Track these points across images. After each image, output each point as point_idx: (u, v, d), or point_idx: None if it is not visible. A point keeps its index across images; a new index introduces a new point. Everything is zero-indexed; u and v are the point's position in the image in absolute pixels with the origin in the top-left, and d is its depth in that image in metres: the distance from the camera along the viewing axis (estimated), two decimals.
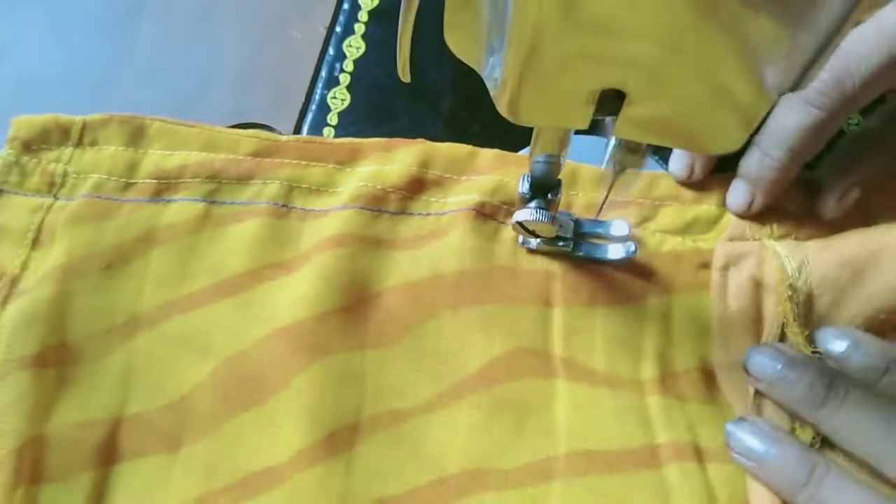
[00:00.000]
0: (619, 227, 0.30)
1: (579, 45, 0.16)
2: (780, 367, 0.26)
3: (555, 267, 0.30)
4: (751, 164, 0.29)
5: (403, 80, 0.23)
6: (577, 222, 0.30)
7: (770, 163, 0.28)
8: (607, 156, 0.23)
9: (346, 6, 0.40)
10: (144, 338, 0.28)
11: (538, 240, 0.29)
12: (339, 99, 0.37)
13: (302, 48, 0.39)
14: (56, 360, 0.27)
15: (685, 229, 0.31)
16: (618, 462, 0.26)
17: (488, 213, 0.31)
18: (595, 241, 0.30)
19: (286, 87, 0.38)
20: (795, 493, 0.24)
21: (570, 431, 0.27)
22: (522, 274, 0.30)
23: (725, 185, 0.31)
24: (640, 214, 0.31)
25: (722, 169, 0.31)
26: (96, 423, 0.27)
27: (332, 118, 0.36)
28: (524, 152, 0.33)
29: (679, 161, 0.31)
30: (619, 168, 0.23)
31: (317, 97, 0.37)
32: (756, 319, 0.29)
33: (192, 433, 0.27)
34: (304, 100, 0.37)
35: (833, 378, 0.25)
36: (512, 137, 0.32)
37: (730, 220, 0.31)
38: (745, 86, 0.16)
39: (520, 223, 0.27)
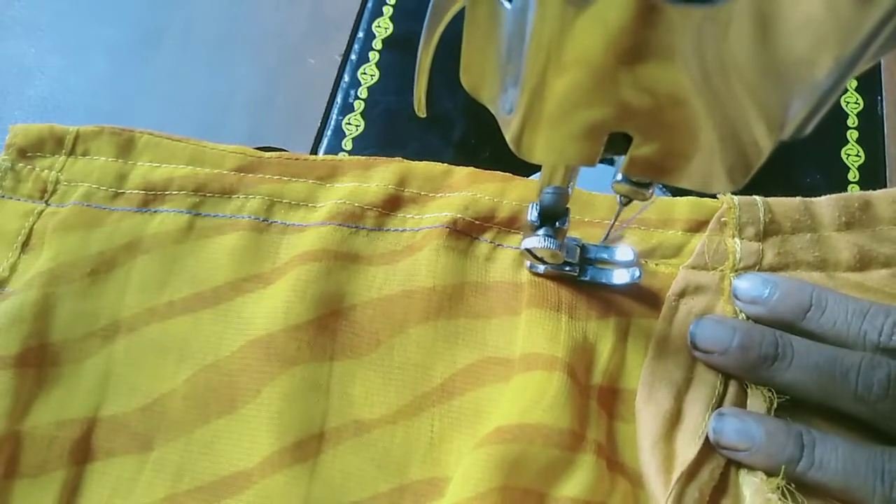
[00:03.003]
0: (624, 253, 0.31)
1: (590, 94, 0.17)
2: (727, 334, 0.27)
3: (524, 279, 0.31)
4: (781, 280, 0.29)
5: (419, 115, 0.24)
6: (584, 248, 0.31)
7: (799, 287, 0.28)
8: (613, 187, 0.24)
9: (360, 34, 0.41)
10: (124, 342, 0.30)
11: (545, 265, 0.30)
12: (354, 125, 0.38)
13: (318, 75, 0.40)
14: (37, 360, 0.29)
15: (649, 253, 0.32)
16: (534, 436, 0.26)
17: (461, 230, 0.32)
18: (601, 266, 0.31)
19: (302, 112, 0.39)
20: (794, 466, 0.25)
21: (508, 413, 0.27)
22: (492, 288, 0.31)
23: (691, 211, 0.32)
24: (604, 235, 0.32)
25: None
26: (72, 423, 0.28)
27: (347, 143, 0.38)
28: (535, 177, 0.34)
29: (751, 284, 0.30)
30: (626, 200, 0.24)
31: (332, 123, 0.38)
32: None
33: (164, 436, 0.28)
34: (319, 125, 0.38)
35: (777, 333, 0.26)
36: (521, 164, 0.33)
37: (694, 247, 0.31)
38: (749, 133, 0.17)
39: (528, 250, 0.28)
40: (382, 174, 0.33)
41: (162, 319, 0.30)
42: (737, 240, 0.31)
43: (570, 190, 0.26)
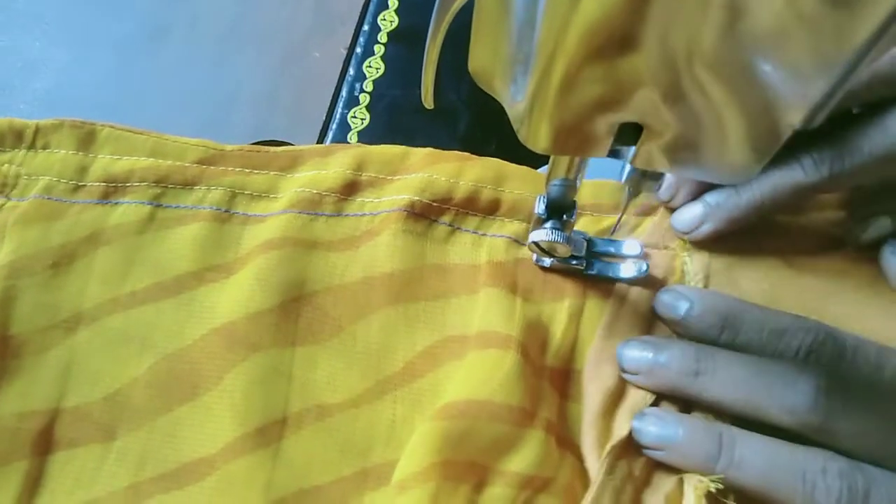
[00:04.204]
0: (631, 247, 0.31)
1: (600, 82, 0.17)
2: (650, 354, 0.27)
3: (482, 260, 0.31)
4: (720, 193, 0.29)
5: (427, 107, 0.24)
6: (590, 241, 0.31)
7: (736, 200, 0.28)
8: (623, 180, 0.24)
9: (366, 28, 0.41)
10: (86, 333, 0.30)
11: (552, 259, 0.30)
12: (359, 118, 0.38)
13: (323, 69, 0.40)
14: None
15: (600, 235, 0.32)
16: (481, 412, 0.26)
17: (419, 213, 0.32)
18: (608, 259, 0.31)
19: (308, 106, 0.39)
20: (713, 464, 0.24)
21: (459, 389, 0.27)
22: (452, 270, 0.31)
23: (646, 194, 0.31)
24: (612, 228, 0.32)
25: None
26: (35, 414, 0.28)
27: (353, 137, 0.38)
28: (542, 170, 0.34)
29: (685, 214, 0.30)
30: (634, 192, 0.24)
31: (337, 116, 0.38)
32: (647, 327, 0.29)
33: (126, 425, 0.29)
34: (324, 118, 0.38)
35: (697, 349, 0.26)
36: (529, 157, 0.33)
37: (647, 227, 0.31)
38: (760, 122, 0.17)
39: (535, 243, 0.28)
40: (340, 160, 0.33)
41: (124, 310, 0.30)
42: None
43: (578, 182, 0.26)
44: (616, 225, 0.30)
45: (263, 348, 0.29)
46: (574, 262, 0.30)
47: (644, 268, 0.30)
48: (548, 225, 0.28)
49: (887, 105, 0.26)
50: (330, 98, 0.39)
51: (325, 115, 0.39)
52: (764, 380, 0.25)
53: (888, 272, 0.29)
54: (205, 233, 0.32)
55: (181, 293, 0.31)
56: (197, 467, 0.28)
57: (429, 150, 0.33)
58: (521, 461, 0.26)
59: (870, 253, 0.30)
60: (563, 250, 0.28)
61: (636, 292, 0.30)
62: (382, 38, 0.41)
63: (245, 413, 0.28)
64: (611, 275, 0.31)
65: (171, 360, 0.29)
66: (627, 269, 0.30)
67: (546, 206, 0.27)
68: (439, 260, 0.31)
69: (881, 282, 0.30)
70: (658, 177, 0.24)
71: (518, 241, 0.32)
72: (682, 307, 0.27)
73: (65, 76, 0.41)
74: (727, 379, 0.25)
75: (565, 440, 0.28)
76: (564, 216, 0.28)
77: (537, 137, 0.20)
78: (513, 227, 0.32)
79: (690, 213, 0.30)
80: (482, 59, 0.20)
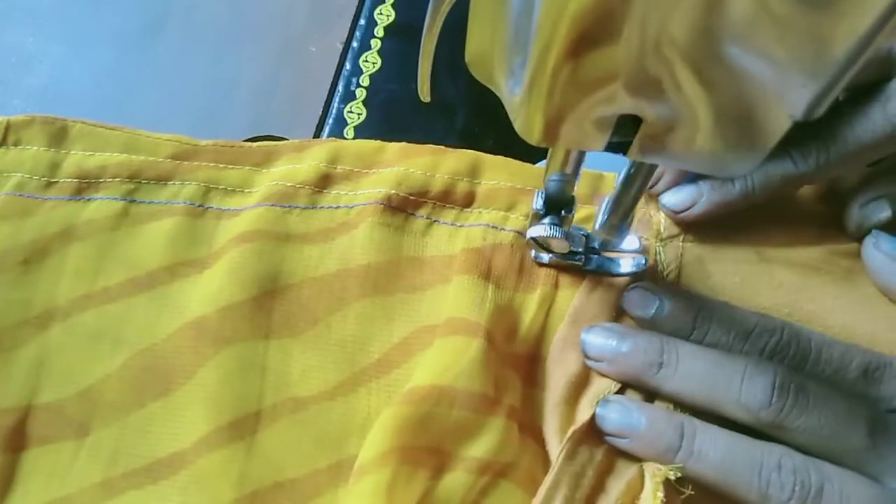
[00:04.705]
0: (630, 242, 0.31)
1: (597, 71, 0.16)
2: (614, 342, 0.27)
3: (458, 250, 0.31)
4: (713, 179, 0.29)
5: (423, 100, 0.24)
6: (589, 237, 0.31)
7: (729, 187, 0.29)
8: (621, 176, 0.24)
9: (362, 22, 0.40)
10: (59, 330, 0.30)
11: (550, 254, 0.30)
12: (356, 113, 0.38)
13: (319, 63, 0.40)
14: None
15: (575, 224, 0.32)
16: (442, 398, 0.26)
17: (396, 206, 0.32)
18: (606, 255, 0.31)
19: (304, 101, 0.39)
20: (673, 454, 0.25)
21: (424, 375, 0.27)
22: (429, 262, 0.31)
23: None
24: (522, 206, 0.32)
25: None
26: (7, 412, 0.28)
27: (349, 132, 0.37)
28: (541, 165, 0.34)
29: (679, 194, 0.30)
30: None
31: (333, 111, 0.38)
32: (615, 314, 0.29)
33: (99, 421, 0.28)
34: (321, 114, 0.38)
35: (662, 341, 0.26)
36: (528, 151, 0.33)
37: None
38: (760, 113, 0.16)
39: (533, 239, 0.28)
40: (315, 153, 0.33)
41: (97, 306, 0.30)
42: (661, 213, 0.31)
43: (576, 178, 0.26)
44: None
45: (236, 342, 0.29)
46: (572, 257, 0.30)
47: (643, 262, 0.29)
48: (546, 220, 0.27)
49: (870, 92, 0.26)
50: (326, 93, 0.39)
51: (321, 109, 0.38)
52: (723, 375, 0.25)
53: (868, 265, 0.29)
54: (178, 228, 0.31)
55: (154, 288, 0.30)
56: (170, 462, 0.27)
57: (403, 144, 0.33)
58: (481, 447, 0.26)
59: (846, 247, 0.30)
60: (561, 246, 0.28)
61: (607, 280, 0.30)
62: (379, 32, 0.40)
63: (218, 407, 0.28)
64: (610, 270, 0.30)
65: (145, 356, 0.29)
66: (626, 265, 0.30)
67: (544, 202, 0.27)
68: (416, 253, 0.31)
69: (857, 277, 0.29)
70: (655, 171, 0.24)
71: (495, 227, 0.31)
72: (652, 307, 0.28)
73: (59, 72, 0.41)
74: (688, 372, 0.26)
75: (529, 426, 0.28)
76: (563, 211, 0.27)
77: (535, 129, 0.19)
78: (490, 215, 0.32)
79: (684, 194, 0.30)
80: (479, 50, 0.20)
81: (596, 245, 0.31)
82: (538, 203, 0.27)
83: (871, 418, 0.24)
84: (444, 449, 0.26)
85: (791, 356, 0.26)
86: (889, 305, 0.29)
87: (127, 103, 0.40)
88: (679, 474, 0.24)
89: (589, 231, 0.31)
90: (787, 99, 0.16)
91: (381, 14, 0.41)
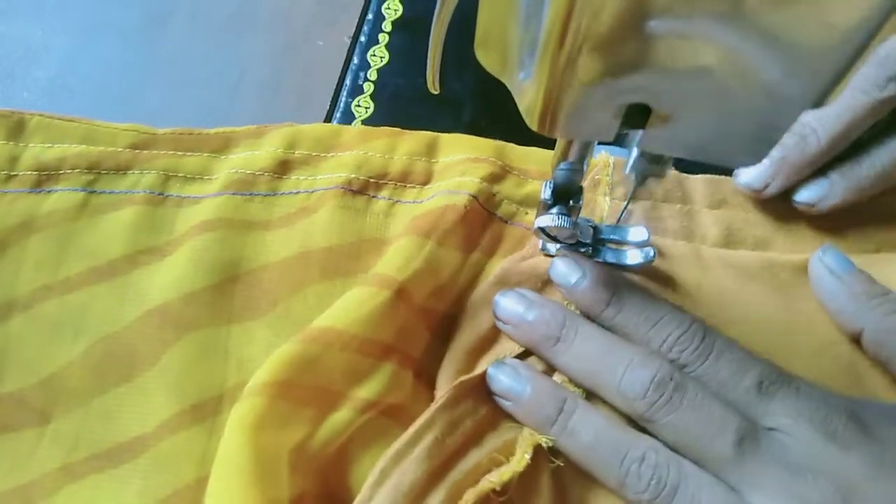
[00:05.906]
0: (637, 233, 0.31)
1: (608, 64, 0.16)
2: (521, 309, 0.28)
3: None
4: (787, 142, 0.30)
5: (433, 92, 0.24)
6: (597, 228, 0.31)
7: (813, 141, 0.29)
8: (629, 166, 0.24)
9: (370, 16, 0.40)
10: (20, 320, 0.30)
11: (558, 245, 0.30)
12: (363, 107, 0.38)
13: (327, 57, 0.40)
14: None
15: (521, 201, 0.33)
16: (335, 340, 0.27)
17: (357, 190, 0.32)
18: (614, 246, 0.31)
19: (311, 95, 0.39)
20: (549, 427, 0.25)
21: (323, 318, 0.28)
22: (390, 243, 0.31)
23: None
24: (489, 172, 0.32)
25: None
26: None
27: (357, 125, 0.37)
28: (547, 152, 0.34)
29: (754, 172, 0.31)
30: (641, 178, 0.24)
31: (341, 105, 0.38)
32: (539, 284, 0.30)
33: (61, 409, 0.29)
34: (328, 108, 0.38)
35: (566, 317, 0.27)
36: (535, 143, 0.33)
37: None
38: (769, 104, 0.16)
39: (541, 229, 0.28)
40: (272, 140, 0.33)
41: (58, 295, 0.30)
42: (606, 198, 0.32)
43: (584, 168, 0.26)
44: (622, 212, 0.30)
45: (198, 327, 0.29)
46: (580, 248, 0.30)
47: (651, 254, 0.30)
48: (554, 210, 0.27)
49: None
50: (334, 87, 0.39)
51: (328, 103, 0.38)
52: (610, 361, 0.26)
53: (811, 276, 0.30)
54: (139, 217, 0.32)
55: (115, 277, 0.31)
56: (132, 446, 0.28)
57: (361, 127, 0.34)
58: (369, 389, 0.26)
59: (794, 259, 0.30)
60: (569, 236, 0.28)
61: (546, 254, 0.30)
62: (387, 26, 0.40)
63: (181, 391, 0.28)
64: (617, 262, 0.30)
65: (107, 343, 0.30)
66: (634, 256, 0.30)
67: (552, 192, 0.27)
68: (379, 234, 0.32)
69: (795, 291, 0.30)
70: (664, 162, 0.24)
71: (450, 192, 0.32)
72: (574, 277, 0.28)
73: (67, 64, 0.41)
74: (580, 352, 0.26)
75: (427, 377, 0.29)
76: (571, 201, 0.27)
77: (544, 121, 0.19)
78: (447, 183, 0.32)
79: (761, 170, 0.30)
80: (489, 42, 0.20)
81: (604, 237, 0.31)
82: (546, 193, 0.27)
83: (745, 429, 0.23)
84: (333, 389, 0.26)
85: (690, 350, 0.25)
86: (820, 326, 0.29)
87: (134, 96, 0.40)
88: (551, 444, 0.25)
89: (596, 222, 0.31)
90: (795, 90, 0.16)
91: (388, 9, 0.41)
